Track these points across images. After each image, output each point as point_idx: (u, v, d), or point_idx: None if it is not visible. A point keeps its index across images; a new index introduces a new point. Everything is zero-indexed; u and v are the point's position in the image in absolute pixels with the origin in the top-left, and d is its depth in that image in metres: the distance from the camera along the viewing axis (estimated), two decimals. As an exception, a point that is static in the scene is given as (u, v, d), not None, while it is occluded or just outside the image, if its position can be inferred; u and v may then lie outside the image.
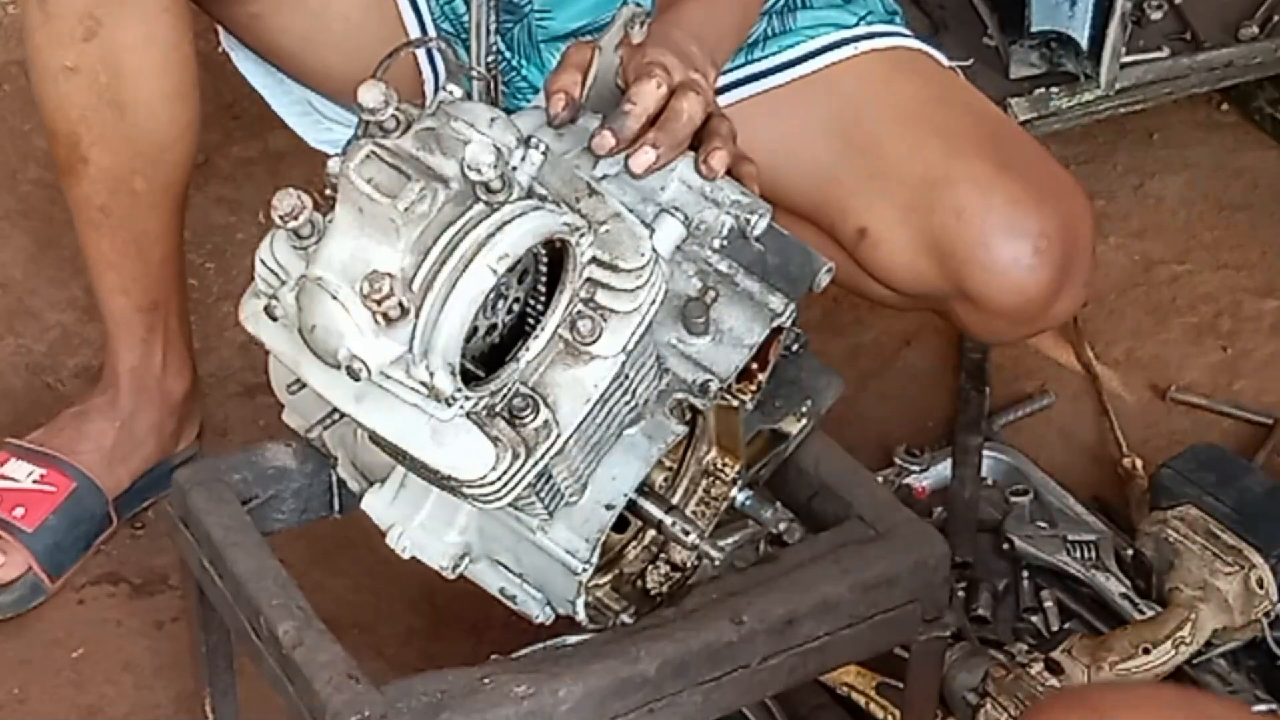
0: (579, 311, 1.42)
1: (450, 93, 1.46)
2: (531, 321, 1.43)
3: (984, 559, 2.04)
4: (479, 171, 1.35)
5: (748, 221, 1.54)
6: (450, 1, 2.00)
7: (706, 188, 1.55)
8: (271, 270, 1.44)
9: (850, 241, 1.93)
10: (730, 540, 1.68)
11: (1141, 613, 1.96)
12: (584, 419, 1.43)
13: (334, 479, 1.67)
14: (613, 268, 1.42)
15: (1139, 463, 2.21)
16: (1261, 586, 1.93)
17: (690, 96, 1.55)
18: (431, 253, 1.35)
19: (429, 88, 2.04)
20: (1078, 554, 2.03)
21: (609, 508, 1.48)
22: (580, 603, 1.50)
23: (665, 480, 1.59)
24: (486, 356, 1.43)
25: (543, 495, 1.45)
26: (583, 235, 1.41)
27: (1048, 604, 2.01)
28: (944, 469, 2.16)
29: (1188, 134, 2.68)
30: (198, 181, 2.32)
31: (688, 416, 1.51)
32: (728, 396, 1.54)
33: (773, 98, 1.98)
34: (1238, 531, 1.95)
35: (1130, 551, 2.02)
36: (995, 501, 2.12)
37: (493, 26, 1.85)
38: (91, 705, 2.00)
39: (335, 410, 1.46)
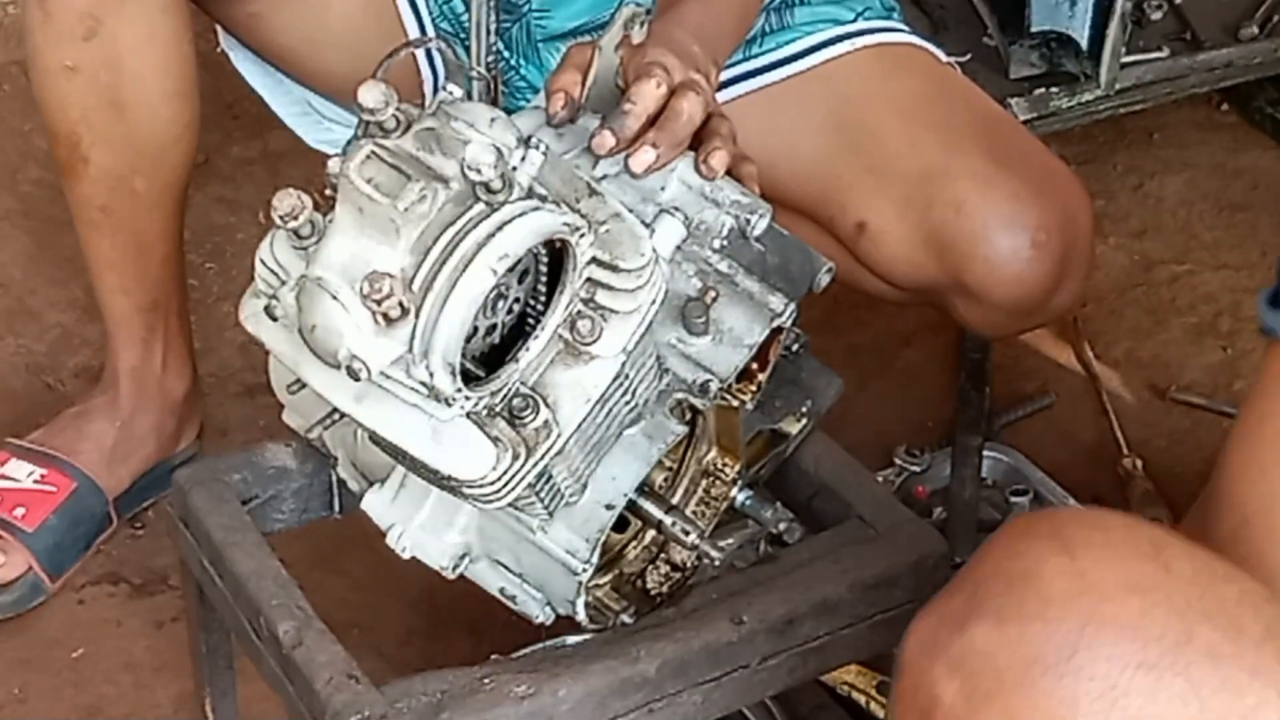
0: (579, 311, 1.42)
1: (450, 93, 1.46)
2: (531, 321, 1.43)
3: (984, 559, 2.04)
4: (479, 171, 1.35)
5: (748, 221, 1.54)
6: (449, 1, 2.00)
7: (706, 188, 1.55)
8: (271, 270, 1.44)
9: (849, 236, 1.93)
10: (730, 540, 1.68)
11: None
12: (584, 419, 1.43)
13: (334, 479, 1.67)
14: (613, 268, 1.42)
15: (1139, 463, 2.21)
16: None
17: (690, 96, 1.55)
18: (432, 253, 1.35)
19: (428, 88, 2.04)
20: (1078, 554, 2.02)
21: (609, 508, 1.48)
22: (580, 603, 1.50)
23: (665, 480, 1.59)
24: (486, 356, 1.43)
25: (543, 495, 1.45)
26: (583, 235, 1.41)
27: (1047, 604, 2.01)
28: (944, 469, 2.16)
29: (1188, 134, 2.68)
30: (198, 181, 2.32)
31: (688, 416, 1.51)
32: (728, 396, 1.54)
33: (771, 94, 1.98)
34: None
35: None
36: (995, 501, 2.12)
37: (493, 26, 1.85)
38: (91, 705, 2.00)
39: (335, 410, 1.46)
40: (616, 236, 1.43)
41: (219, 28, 2.07)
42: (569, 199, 1.44)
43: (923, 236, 1.89)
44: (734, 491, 1.59)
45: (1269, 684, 1.08)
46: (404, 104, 1.40)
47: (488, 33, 1.86)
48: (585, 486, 1.48)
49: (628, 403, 1.47)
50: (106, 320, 2.10)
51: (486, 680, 1.48)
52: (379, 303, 1.33)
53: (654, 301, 1.44)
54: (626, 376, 1.45)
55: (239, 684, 1.75)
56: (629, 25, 1.60)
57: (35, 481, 2.07)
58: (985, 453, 2.17)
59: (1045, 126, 2.42)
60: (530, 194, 1.40)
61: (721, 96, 1.81)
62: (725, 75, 1.94)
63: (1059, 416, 2.32)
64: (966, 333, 2.28)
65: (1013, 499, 2.10)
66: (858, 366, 2.33)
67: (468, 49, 1.89)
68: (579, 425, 1.43)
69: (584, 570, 1.48)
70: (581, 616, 1.52)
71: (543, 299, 1.43)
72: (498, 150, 1.35)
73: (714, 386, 1.49)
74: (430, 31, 2.00)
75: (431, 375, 1.36)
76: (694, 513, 1.58)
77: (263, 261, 1.45)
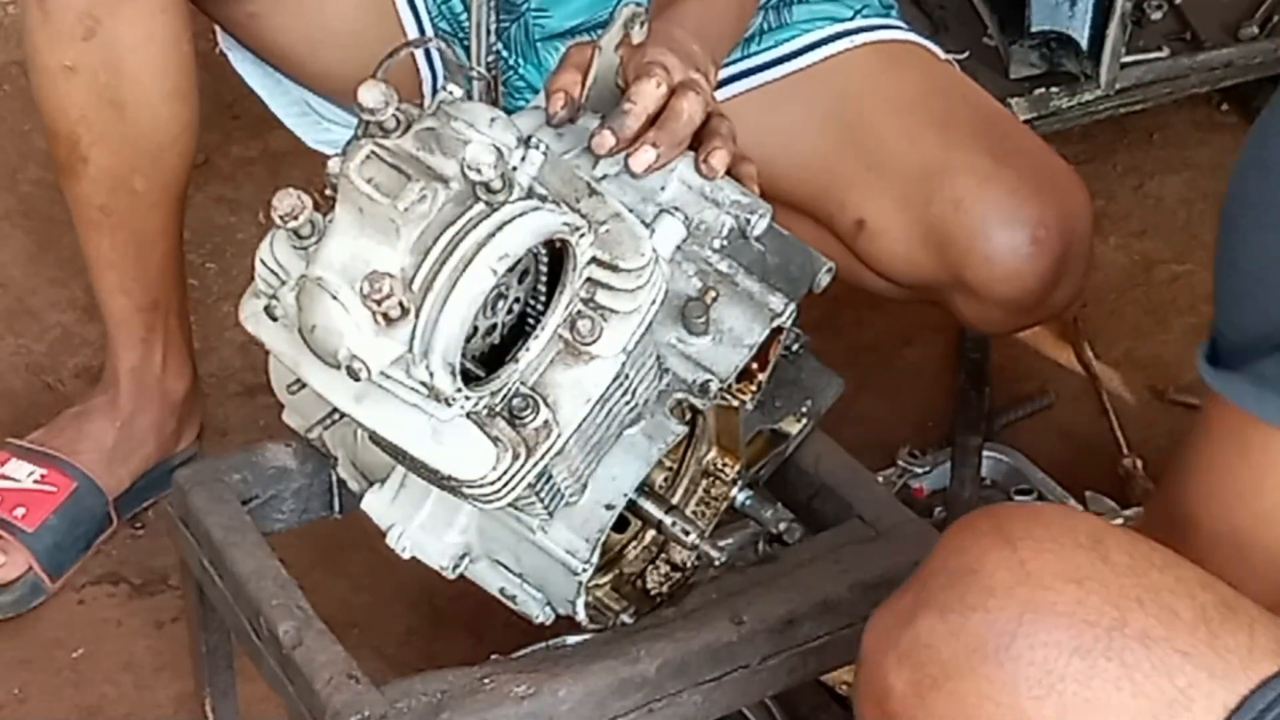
0: (579, 311, 1.42)
1: (450, 93, 1.45)
2: (531, 321, 1.43)
3: (984, 559, 2.04)
4: (479, 171, 1.35)
5: (748, 221, 1.54)
6: (448, 1, 2.00)
7: (706, 187, 1.54)
8: (271, 270, 1.44)
9: (848, 233, 1.94)
10: (730, 540, 1.68)
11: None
12: (584, 419, 1.43)
13: (334, 479, 1.67)
14: (613, 268, 1.42)
15: (1139, 463, 2.21)
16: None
17: (690, 96, 1.55)
18: (432, 253, 1.35)
19: (428, 88, 2.04)
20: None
21: (609, 508, 1.48)
22: (580, 603, 1.50)
23: (665, 480, 1.59)
24: (486, 356, 1.43)
25: (543, 495, 1.45)
26: (583, 235, 1.41)
27: (1047, 603, 2.01)
28: (944, 469, 2.16)
29: (1188, 134, 2.68)
30: (198, 181, 2.32)
31: (688, 416, 1.51)
32: (728, 396, 1.54)
33: (770, 92, 1.98)
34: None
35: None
36: (995, 501, 2.12)
37: (493, 26, 1.85)
38: (91, 705, 2.00)
39: (335, 410, 1.46)
40: (616, 236, 1.43)
41: (218, 28, 2.07)
42: (569, 199, 1.44)
43: (922, 233, 1.90)
44: (734, 491, 1.59)
45: (1200, 666, 1.11)
46: (404, 104, 1.40)
47: (487, 32, 1.86)
48: (585, 486, 1.48)
49: (628, 403, 1.47)
50: (106, 320, 2.10)
51: (486, 680, 1.48)
52: (379, 303, 1.33)
53: (654, 301, 1.44)
54: (626, 376, 1.45)
55: (239, 684, 1.75)
56: (629, 25, 1.60)
57: (35, 481, 2.07)
58: (985, 453, 2.17)
59: (1045, 126, 2.42)
60: (530, 194, 1.40)
61: (720, 94, 1.82)
62: (724, 73, 1.94)
63: (1059, 416, 2.32)
64: (966, 333, 2.28)
65: (1015, 499, 2.10)
66: (858, 366, 2.33)
67: (467, 49, 1.89)
68: (579, 425, 1.43)
69: (584, 570, 1.48)
70: (581, 616, 1.52)
71: (543, 299, 1.43)
72: (498, 150, 1.35)
73: (714, 386, 1.49)
74: (430, 31, 2.00)
75: (431, 375, 1.36)
76: (694, 513, 1.58)
77: (263, 261, 1.45)
